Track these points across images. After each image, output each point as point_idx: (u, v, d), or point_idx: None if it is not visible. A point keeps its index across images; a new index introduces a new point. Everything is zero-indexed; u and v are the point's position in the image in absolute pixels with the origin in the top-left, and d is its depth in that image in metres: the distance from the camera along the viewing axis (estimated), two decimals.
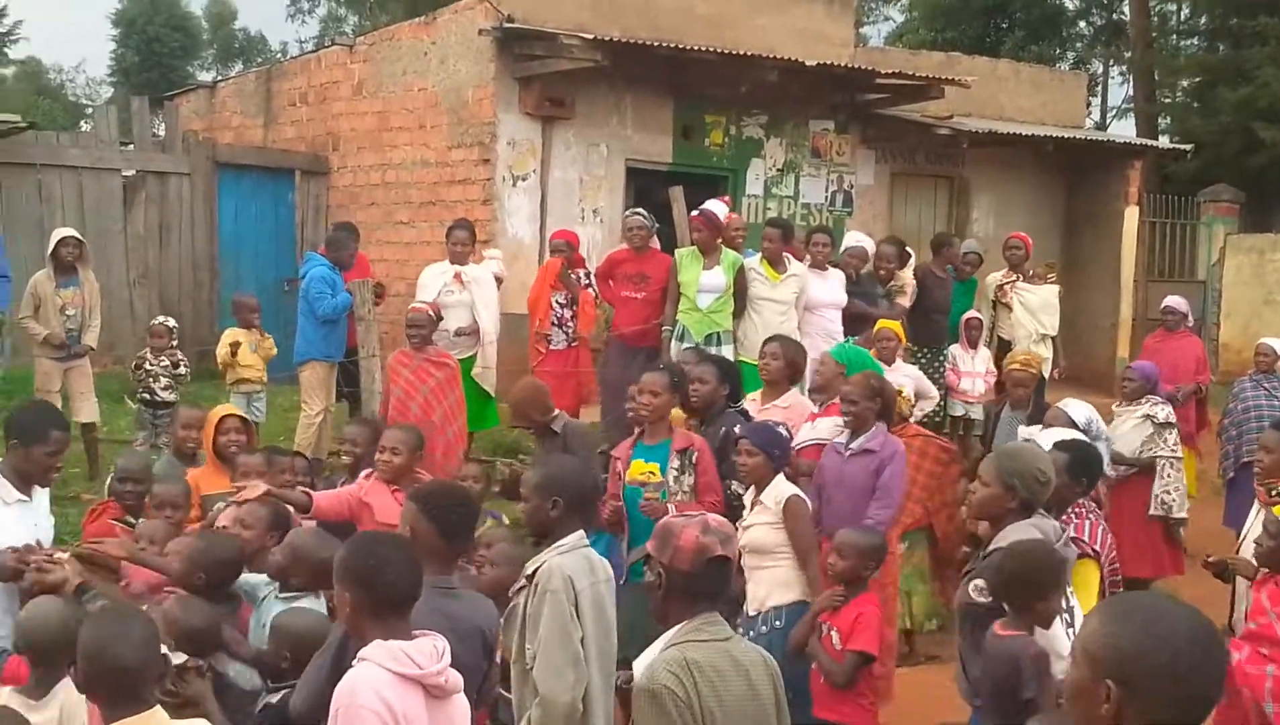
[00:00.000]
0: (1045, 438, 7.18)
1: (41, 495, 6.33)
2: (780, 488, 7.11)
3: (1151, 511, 10.20)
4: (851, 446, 7.70)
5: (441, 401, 9.94)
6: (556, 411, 8.69)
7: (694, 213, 11.35)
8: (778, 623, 6.87)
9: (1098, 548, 6.53)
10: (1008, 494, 5.60)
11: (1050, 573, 5.24)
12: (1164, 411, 10.44)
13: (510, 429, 11.65)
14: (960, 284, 13.31)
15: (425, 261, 12.24)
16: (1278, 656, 5.38)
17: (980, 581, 5.40)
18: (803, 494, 7.14)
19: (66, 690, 4.96)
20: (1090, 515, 6.76)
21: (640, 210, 11.79)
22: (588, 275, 11.86)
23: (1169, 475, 10.34)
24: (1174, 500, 10.37)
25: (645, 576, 4.31)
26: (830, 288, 11.51)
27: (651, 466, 7.71)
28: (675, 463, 7.68)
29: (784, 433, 7.41)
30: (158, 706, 4.10)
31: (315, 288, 11.47)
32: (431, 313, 10.36)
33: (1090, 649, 2.85)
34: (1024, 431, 8.69)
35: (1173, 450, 10.47)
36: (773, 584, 6.97)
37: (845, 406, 7.80)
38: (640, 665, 4.23)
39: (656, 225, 11.71)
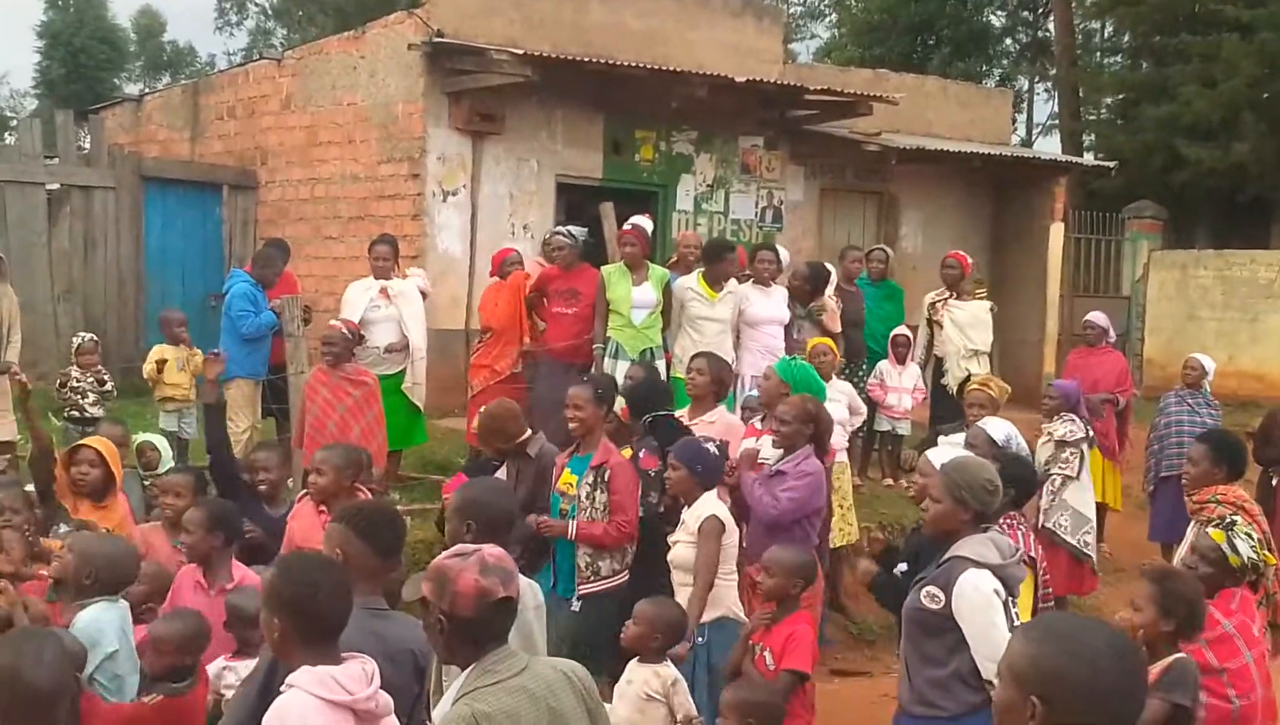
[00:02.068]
0: (935, 454, 7.22)
1: None
2: (703, 506, 7.18)
3: (1040, 523, 10.10)
4: (773, 463, 7.76)
5: (359, 419, 9.83)
6: (528, 434, 8.39)
7: (627, 227, 11.35)
8: (700, 639, 6.93)
9: (1033, 555, 6.64)
10: (959, 508, 5.64)
11: None
12: (1068, 428, 10.42)
13: (441, 446, 11.59)
14: (874, 288, 13.37)
15: (354, 276, 12.16)
16: (1211, 685, 5.39)
17: (934, 588, 5.42)
18: (725, 518, 7.17)
19: None
20: (1021, 526, 6.85)
21: (562, 229, 11.80)
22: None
23: (1051, 493, 10.27)
24: (1064, 523, 10.27)
25: (423, 620, 4.08)
26: (773, 304, 11.54)
27: (572, 478, 7.79)
28: (590, 478, 7.71)
29: (712, 449, 7.45)
30: None
31: (237, 306, 11.36)
32: (347, 331, 10.26)
33: (1015, 667, 2.99)
34: (944, 440, 8.75)
35: (1063, 468, 10.34)
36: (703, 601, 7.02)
37: (776, 426, 7.83)
38: (438, 716, 4.08)
39: (584, 241, 11.68)
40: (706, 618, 6.98)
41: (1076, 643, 2.92)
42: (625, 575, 7.77)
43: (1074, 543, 10.13)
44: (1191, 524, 7.68)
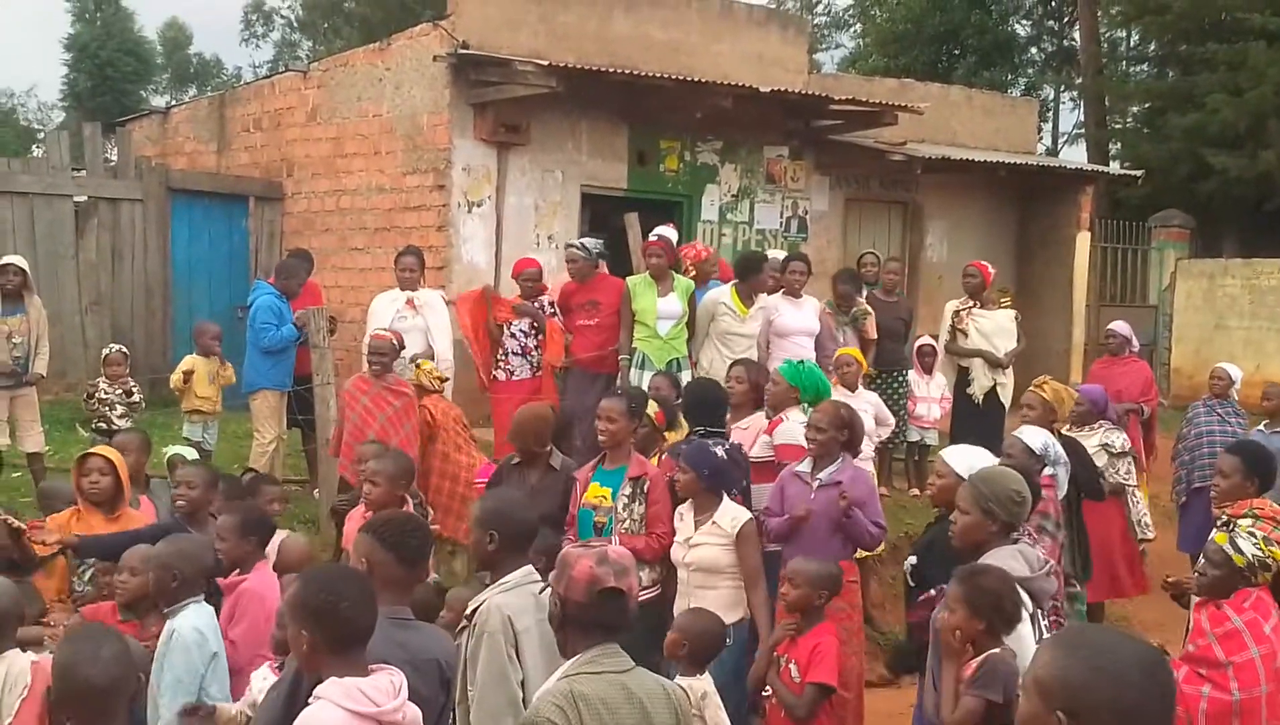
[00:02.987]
0: (951, 454, 7.19)
1: None
2: (736, 510, 7.22)
3: (1140, 536, 10.18)
4: (819, 477, 7.68)
5: (398, 430, 9.83)
6: (549, 448, 8.38)
7: (652, 238, 11.36)
8: (728, 640, 6.89)
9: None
10: (987, 519, 5.64)
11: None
12: (1119, 439, 10.42)
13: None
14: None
15: (380, 288, 12.20)
16: (1214, 678, 5.44)
17: None
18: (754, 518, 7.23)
19: (12, 658, 5.06)
20: (1025, 539, 6.82)
21: (575, 242, 11.88)
22: (551, 304, 11.77)
23: (1138, 498, 10.34)
24: (1148, 523, 10.37)
25: (549, 608, 4.33)
26: (804, 315, 11.53)
27: (604, 491, 7.74)
28: (627, 490, 7.69)
29: (718, 453, 7.43)
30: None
31: (261, 318, 11.42)
32: (395, 340, 10.29)
33: (1041, 681, 2.94)
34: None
35: (1125, 478, 10.48)
36: (718, 605, 6.98)
37: (810, 433, 7.80)
38: (534, 699, 4.23)
39: (599, 252, 11.69)
40: (728, 621, 6.92)
41: (1104, 657, 2.87)
42: (658, 588, 7.77)
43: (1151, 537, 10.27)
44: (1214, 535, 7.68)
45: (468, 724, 5.02)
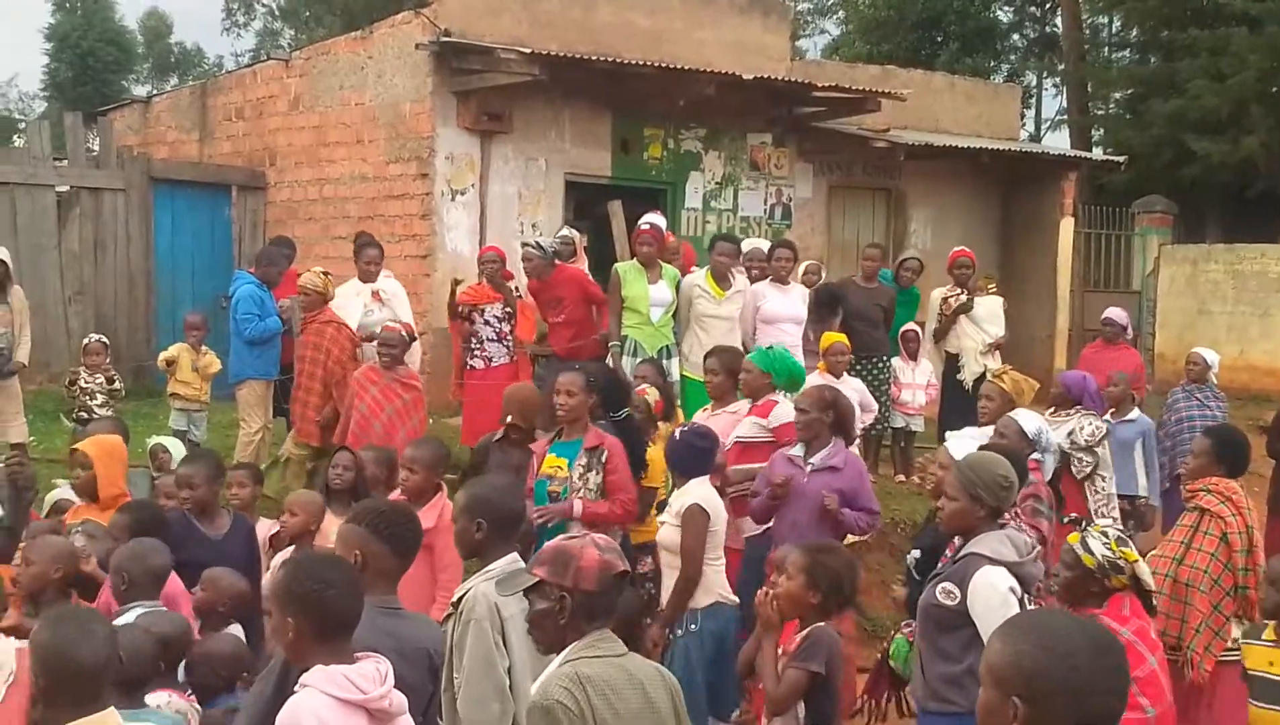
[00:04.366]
0: (954, 444, 7.24)
1: None
2: (687, 494, 7.22)
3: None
4: (812, 461, 7.71)
5: (405, 422, 9.88)
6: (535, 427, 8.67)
7: (644, 226, 11.36)
8: (693, 625, 6.99)
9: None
10: (975, 505, 5.66)
11: None
12: (1090, 426, 10.26)
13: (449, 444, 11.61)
14: (902, 293, 13.34)
15: (351, 280, 12.19)
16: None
17: (949, 584, 5.44)
18: (708, 506, 7.15)
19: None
20: (1012, 523, 6.85)
21: (530, 241, 12.01)
22: (516, 288, 11.84)
23: (1099, 488, 10.21)
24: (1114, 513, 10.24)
25: (534, 605, 4.26)
26: (790, 302, 11.52)
27: (560, 462, 7.89)
28: (583, 460, 7.83)
29: (673, 437, 7.50)
30: (112, 708, 4.11)
31: (243, 309, 11.38)
32: (404, 332, 10.29)
33: (995, 668, 2.97)
34: (963, 433, 8.73)
35: (1085, 468, 10.29)
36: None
37: (796, 415, 7.85)
38: (535, 688, 4.23)
39: (556, 251, 11.76)
40: (700, 604, 7.04)
41: (1056, 640, 2.90)
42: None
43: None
44: (1184, 513, 7.79)
45: (454, 711, 5.02)
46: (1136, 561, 5.44)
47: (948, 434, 8.12)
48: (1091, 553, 5.46)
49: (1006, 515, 6.55)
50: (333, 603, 4.08)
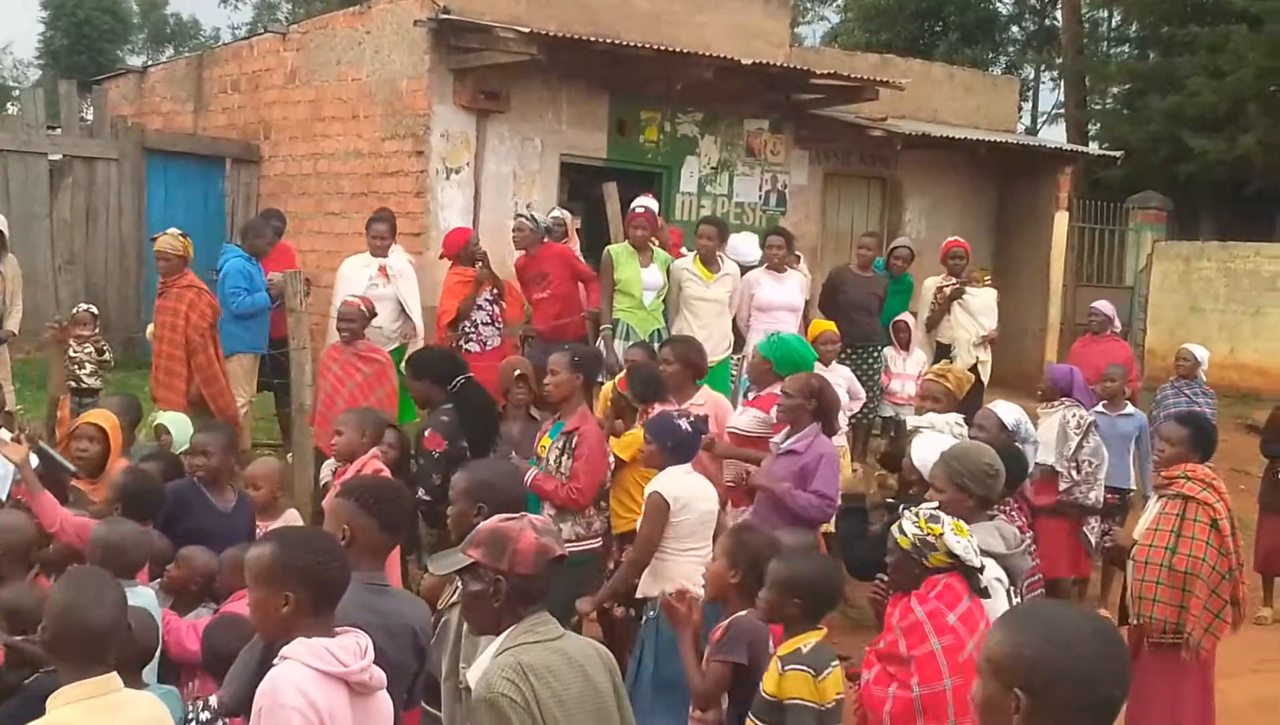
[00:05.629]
0: (921, 445, 7.25)
1: None
2: (655, 483, 7.20)
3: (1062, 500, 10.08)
4: (779, 443, 7.70)
5: (369, 396, 9.81)
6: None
7: (639, 209, 11.35)
8: (650, 613, 6.91)
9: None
10: (963, 495, 5.65)
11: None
12: (1077, 416, 10.29)
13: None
14: (894, 282, 13.33)
15: (356, 253, 12.16)
16: (900, 675, 5.29)
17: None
18: (668, 494, 7.08)
19: None
20: (1015, 514, 6.88)
21: (525, 212, 11.99)
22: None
23: (1085, 473, 10.20)
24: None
25: (467, 588, 4.23)
26: (786, 290, 11.54)
27: (548, 442, 7.98)
28: (559, 443, 7.87)
29: (683, 425, 7.36)
30: (115, 673, 4.10)
31: (231, 283, 11.35)
32: (363, 307, 10.27)
33: (995, 660, 2.94)
34: (912, 420, 8.74)
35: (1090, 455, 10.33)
36: (651, 574, 7.08)
37: (780, 400, 7.83)
38: (472, 675, 4.20)
39: (549, 226, 11.92)
40: (654, 592, 6.92)
41: (1056, 630, 2.88)
42: (591, 543, 7.97)
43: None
44: (1153, 499, 7.86)
45: (455, 700, 4.92)
46: (942, 535, 5.36)
47: (915, 439, 8.02)
48: (905, 533, 5.41)
49: (1009, 502, 6.60)
50: (332, 574, 4.08)
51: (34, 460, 6.65)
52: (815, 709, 5.04)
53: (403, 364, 8.76)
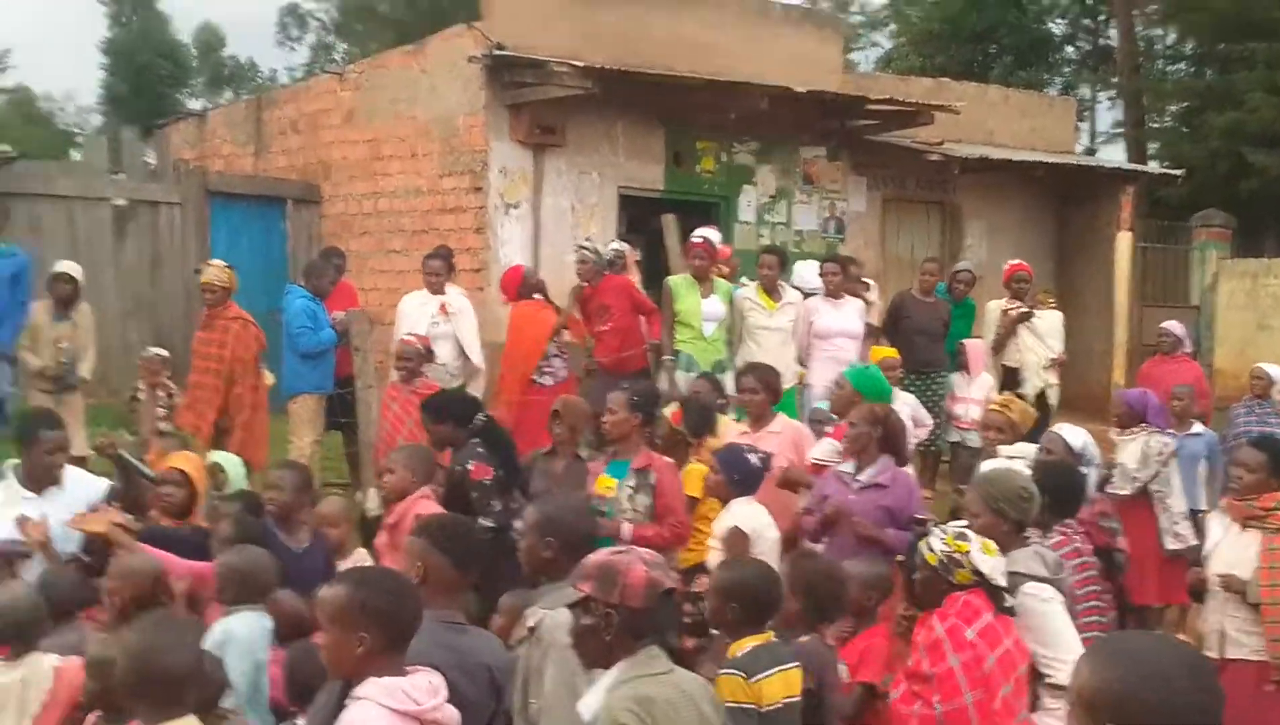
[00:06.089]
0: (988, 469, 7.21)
1: (57, 493, 6.97)
2: (729, 516, 7.18)
3: (1169, 546, 9.89)
4: (860, 478, 7.61)
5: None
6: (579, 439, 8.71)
7: (697, 239, 11.35)
8: None
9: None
10: (998, 519, 5.62)
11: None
12: (1159, 443, 10.15)
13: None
14: (956, 306, 13.25)
15: (418, 290, 12.21)
16: (923, 693, 5.26)
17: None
18: (749, 525, 7.10)
19: (34, 661, 5.44)
20: (1076, 538, 6.78)
21: (587, 243, 11.99)
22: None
23: (1169, 505, 10.05)
24: (1180, 532, 10.04)
25: (578, 621, 4.24)
26: (844, 316, 11.51)
27: (611, 482, 7.79)
28: (631, 481, 7.73)
29: (752, 459, 7.38)
30: (193, 716, 4.14)
31: (297, 323, 11.38)
32: (420, 346, 10.32)
33: (1085, 693, 2.87)
34: (1004, 450, 8.64)
35: (1159, 484, 10.16)
36: None
37: (847, 429, 7.78)
38: (585, 707, 4.21)
39: (610, 258, 11.87)
40: None
41: (1148, 663, 2.81)
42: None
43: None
44: (1221, 523, 7.63)
45: None
46: (969, 553, 5.33)
47: (982, 464, 7.95)
48: (933, 550, 5.38)
49: (1054, 530, 6.54)
50: (406, 614, 4.08)
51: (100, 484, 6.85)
52: (754, 710, 5.01)
53: (421, 409, 8.70)
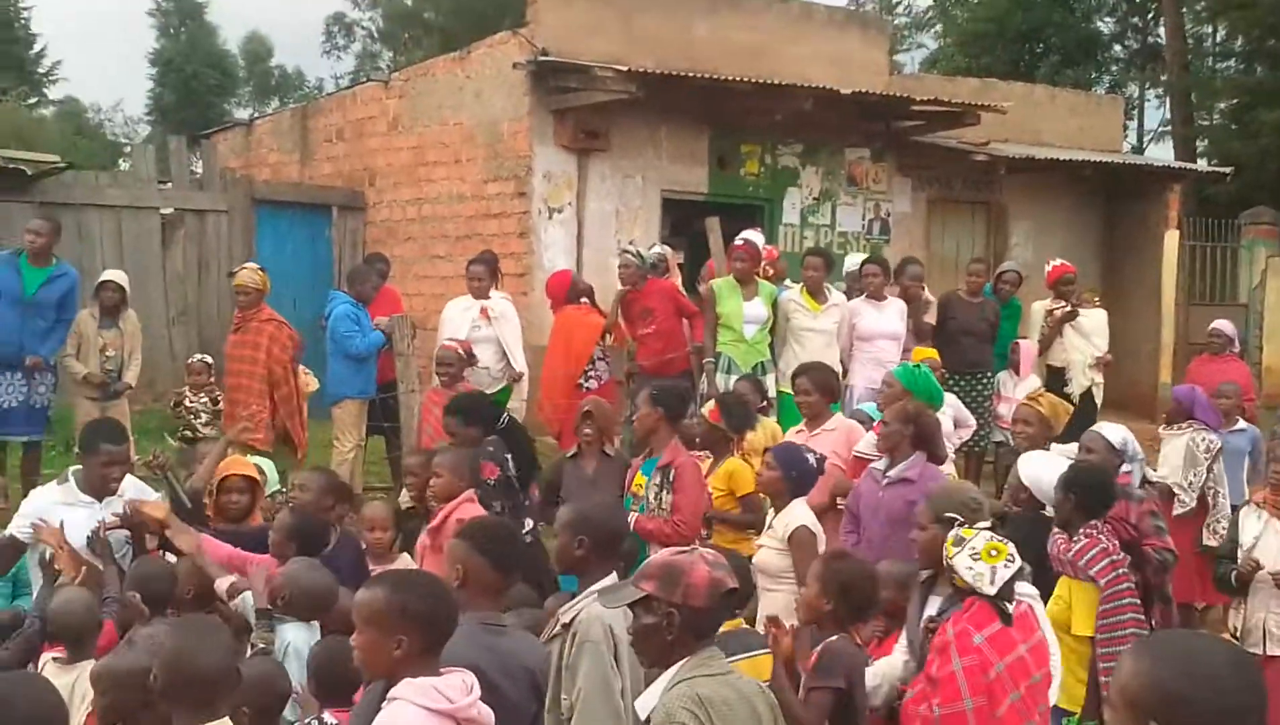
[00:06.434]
0: (1028, 461, 7.19)
1: (114, 503, 7.09)
2: (792, 514, 7.17)
3: (1205, 542, 9.85)
4: (889, 474, 7.59)
5: None
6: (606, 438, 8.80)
7: (739, 242, 11.35)
8: None
9: (1093, 573, 6.71)
10: (946, 529, 5.65)
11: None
12: (1206, 440, 10.11)
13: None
14: (1002, 306, 13.17)
15: (463, 295, 12.25)
16: (929, 695, 5.27)
17: None
18: (814, 526, 7.13)
19: (84, 668, 5.46)
20: (1103, 537, 6.74)
21: (630, 248, 12.01)
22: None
23: (1220, 503, 10.00)
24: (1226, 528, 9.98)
25: (639, 620, 4.25)
26: (886, 318, 11.47)
27: (642, 479, 7.94)
28: (656, 478, 7.83)
29: (808, 457, 7.43)
30: (227, 718, 4.16)
31: (343, 327, 11.45)
32: (461, 351, 10.36)
33: (1128, 691, 2.83)
34: (1056, 448, 8.58)
35: (1211, 482, 10.13)
36: (779, 608, 6.90)
37: (880, 428, 7.77)
38: (643, 705, 4.23)
39: (654, 261, 11.93)
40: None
41: (1194, 662, 2.76)
42: None
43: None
44: (1261, 518, 7.71)
45: None
46: (953, 556, 5.36)
47: (1021, 458, 7.91)
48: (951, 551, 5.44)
49: (1080, 531, 6.56)
50: (442, 617, 4.11)
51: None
52: None
53: (447, 411, 8.74)
